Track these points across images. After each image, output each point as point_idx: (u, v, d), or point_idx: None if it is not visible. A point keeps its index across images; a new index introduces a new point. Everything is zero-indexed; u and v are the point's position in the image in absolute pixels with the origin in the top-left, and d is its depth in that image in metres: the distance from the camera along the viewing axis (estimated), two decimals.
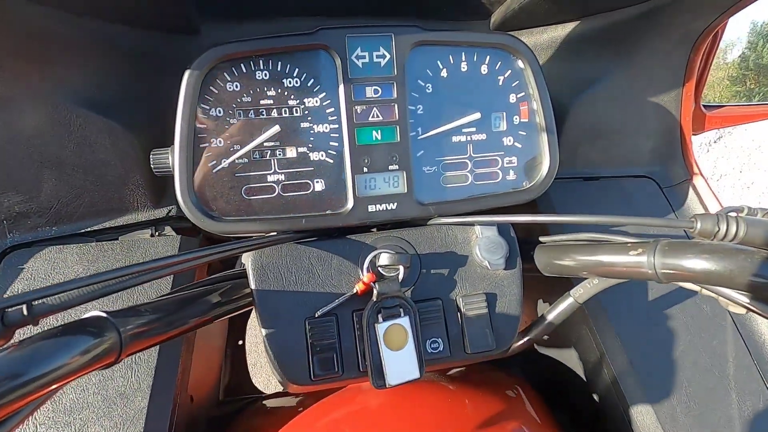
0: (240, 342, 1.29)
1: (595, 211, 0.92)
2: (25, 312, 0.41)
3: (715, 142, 4.77)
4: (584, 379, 0.89)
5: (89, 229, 0.76)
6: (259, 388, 1.27)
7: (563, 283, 0.75)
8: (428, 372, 0.82)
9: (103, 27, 0.67)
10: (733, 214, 0.46)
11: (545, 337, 1.02)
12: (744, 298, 0.51)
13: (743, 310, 0.52)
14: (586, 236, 0.65)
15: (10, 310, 0.41)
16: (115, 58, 0.71)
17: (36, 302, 0.42)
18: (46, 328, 0.41)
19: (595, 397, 0.86)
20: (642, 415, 0.73)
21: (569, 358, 0.94)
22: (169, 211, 0.80)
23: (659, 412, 0.72)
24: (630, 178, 0.98)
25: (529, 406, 0.81)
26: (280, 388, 0.98)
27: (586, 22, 0.84)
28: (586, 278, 0.65)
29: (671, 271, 0.51)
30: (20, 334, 0.43)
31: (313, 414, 0.74)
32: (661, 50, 0.86)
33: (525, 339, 0.71)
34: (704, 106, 1.03)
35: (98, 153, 0.72)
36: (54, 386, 0.38)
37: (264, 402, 0.95)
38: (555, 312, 0.69)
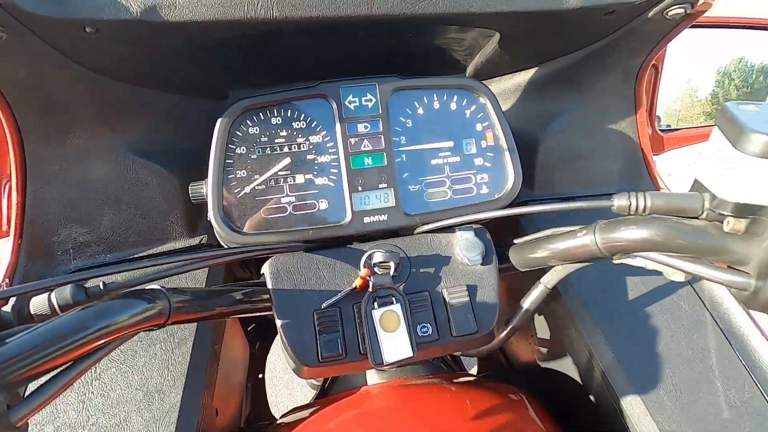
0: (261, 375, 1.36)
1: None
2: (101, 287, 0.55)
3: None
4: (579, 382, 0.94)
5: (136, 256, 0.91)
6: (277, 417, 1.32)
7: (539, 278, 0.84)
8: (433, 383, 0.90)
9: (158, 95, 0.88)
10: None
11: (543, 349, 1.08)
12: (679, 263, 0.59)
13: (682, 276, 0.60)
14: (550, 231, 0.76)
15: (90, 286, 0.55)
16: (163, 117, 0.91)
17: (109, 281, 0.57)
18: None
19: (591, 398, 0.90)
20: (632, 406, 0.78)
21: (566, 366, 0.99)
22: (201, 239, 0.95)
23: (648, 403, 0.77)
24: (603, 196, 1.09)
25: (531, 411, 0.86)
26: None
27: (544, 68, 1.01)
28: (554, 266, 0.75)
29: (611, 245, 0.61)
30: None
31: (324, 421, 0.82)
32: (610, 85, 1.02)
33: (508, 328, 0.79)
34: (660, 129, 1.16)
35: (147, 191, 0.89)
36: (118, 335, 0.50)
37: (281, 420, 1.01)
38: (529, 299, 0.78)
